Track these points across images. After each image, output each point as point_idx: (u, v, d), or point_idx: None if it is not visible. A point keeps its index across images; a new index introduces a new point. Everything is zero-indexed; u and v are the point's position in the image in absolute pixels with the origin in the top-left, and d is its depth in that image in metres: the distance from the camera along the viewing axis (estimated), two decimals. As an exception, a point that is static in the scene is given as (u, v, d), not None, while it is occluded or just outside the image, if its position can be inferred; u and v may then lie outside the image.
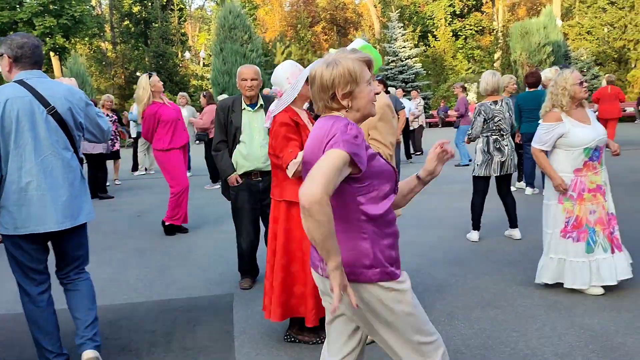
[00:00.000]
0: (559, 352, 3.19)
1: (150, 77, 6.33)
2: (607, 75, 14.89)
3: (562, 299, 4.00)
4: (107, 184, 11.45)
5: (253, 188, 4.42)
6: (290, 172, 3.16)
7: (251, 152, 4.34)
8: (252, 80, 4.36)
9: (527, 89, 8.03)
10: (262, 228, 4.61)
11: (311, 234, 1.77)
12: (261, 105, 4.46)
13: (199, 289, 4.67)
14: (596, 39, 33.39)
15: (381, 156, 2.01)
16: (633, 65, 31.44)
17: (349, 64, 1.95)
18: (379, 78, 8.33)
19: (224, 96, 11.50)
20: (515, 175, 8.87)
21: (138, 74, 39.69)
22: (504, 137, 5.62)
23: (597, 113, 11.87)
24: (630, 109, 23.76)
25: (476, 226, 5.82)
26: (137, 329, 3.84)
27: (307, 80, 3.28)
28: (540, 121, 4.22)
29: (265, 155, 4.27)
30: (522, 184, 8.83)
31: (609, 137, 12.98)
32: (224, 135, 4.48)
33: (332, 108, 2.00)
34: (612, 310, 3.76)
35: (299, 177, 3.13)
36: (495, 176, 5.69)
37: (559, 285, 4.19)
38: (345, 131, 1.85)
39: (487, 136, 5.63)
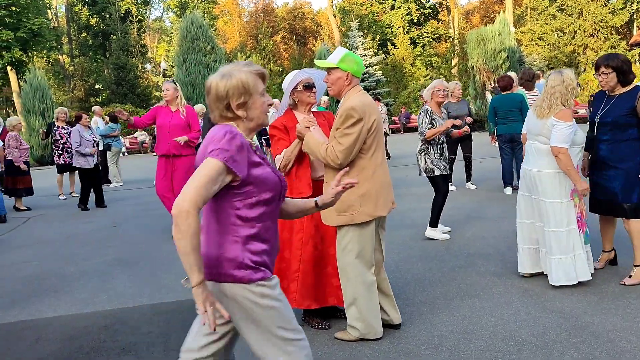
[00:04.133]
0: (535, 333, 3.47)
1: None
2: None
3: (533, 286, 4.30)
4: (64, 197, 11.48)
5: None
6: (277, 165, 3.65)
7: None
8: None
9: (500, 93, 8.29)
10: None
11: (177, 243, 1.81)
12: None
13: (187, 293, 4.76)
14: (547, 45, 34.69)
15: (269, 165, 2.07)
16: (583, 69, 32.76)
17: (242, 77, 2.02)
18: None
19: (201, 106, 11.53)
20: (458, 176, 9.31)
21: (97, 86, 39.22)
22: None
23: None
24: (582, 111, 24.74)
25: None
26: (133, 332, 3.96)
27: (306, 87, 3.62)
28: (556, 120, 4.05)
29: None
30: (470, 184, 9.11)
31: None
32: None
33: (227, 117, 2.05)
34: (578, 294, 4.07)
35: (288, 173, 3.70)
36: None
37: (529, 274, 4.50)
38: (221, 139, 1.91)
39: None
